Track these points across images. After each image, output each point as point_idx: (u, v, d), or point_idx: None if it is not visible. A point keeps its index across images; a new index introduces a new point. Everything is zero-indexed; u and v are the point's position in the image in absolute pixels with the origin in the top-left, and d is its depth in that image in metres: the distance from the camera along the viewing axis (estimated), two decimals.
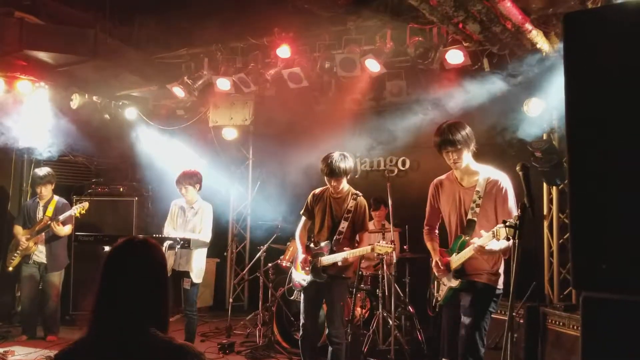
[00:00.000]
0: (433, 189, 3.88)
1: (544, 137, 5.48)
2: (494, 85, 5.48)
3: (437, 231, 3.92)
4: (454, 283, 3.62)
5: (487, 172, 3.59)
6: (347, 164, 4.47)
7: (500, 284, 3.57)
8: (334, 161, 4.42)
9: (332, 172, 4.42)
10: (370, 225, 5.13)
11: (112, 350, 1.77)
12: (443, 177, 3.84)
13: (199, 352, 1.84)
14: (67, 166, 8.06)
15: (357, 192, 4.65)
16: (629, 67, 1.78)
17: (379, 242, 4.45)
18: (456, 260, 3.59)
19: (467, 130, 3.57)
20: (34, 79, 6.65)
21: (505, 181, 3.52)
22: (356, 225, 4.61)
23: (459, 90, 5.82)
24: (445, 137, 3.54)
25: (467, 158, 3.58)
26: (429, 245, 3.91)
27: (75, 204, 6.63)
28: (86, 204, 6.40)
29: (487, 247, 3.35)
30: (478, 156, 3.69)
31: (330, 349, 4.57)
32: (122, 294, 1.83)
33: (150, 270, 1.90)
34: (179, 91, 6.97)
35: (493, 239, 3.30)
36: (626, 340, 1.75)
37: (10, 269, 6.35)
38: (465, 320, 3.56)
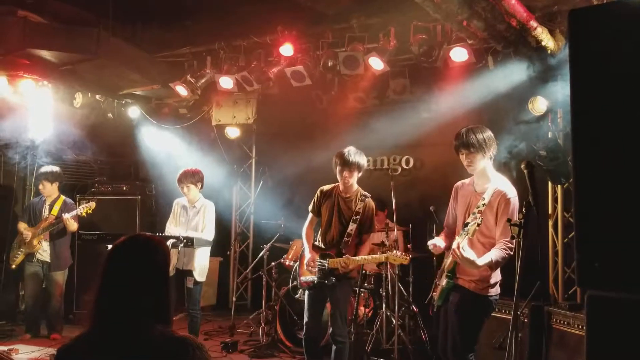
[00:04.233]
0: (453, 191, 3.89)
1: (549, 136, 5.45)
2: (499, 83, 5.45)
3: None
4: (443, 282, 3.62)
5: (498, 183, 3.57)
6: (361, 158, 4.52)
7: (492, 293, 3.53)
8: (349, 152, 4.46)
9: (347, 162, 4.44)
10: None
11: (113, 345, 1.77)
12: (466, 180, 3.83)
13: (200, 344, 1.84)
14: (70, 165, 8.06)
15: (366, 193, 4.64)
16: (635, 64, 1.75)
17: (393, 252, 4.46)
18: (448, 261, 3.59)
19: (486, 135, 3.57)
20: (37, 78, 6.64)
21: (512, 194, 3.48)
22: (363, 227, 4.60)
23: (463, 88, 5.79)
24: (460, 140, 3.59)
25: (482, 163, 3.58)
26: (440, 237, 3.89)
27: (80, 203, 6.64)
28: (93, 204, 6.40)
29: (464, 254, 3.30)
30: None
31: (334, 347, 4.56)
32: (122, 291, 1.82)
33: (151, 267, 1.89)
34: (181, 90, 6.96)
35: (466, 238, 3.30)
36: (631, 339, 1.73)
37: (14, 266, 6.36)
38: (451, 322, 3.57)
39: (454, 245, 3.40)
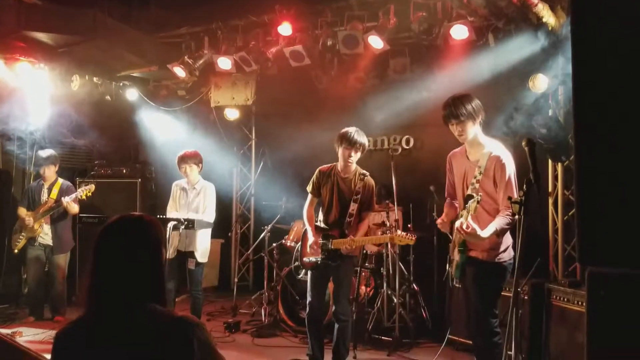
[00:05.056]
0: (448, 163, 3.92)
1: (550, 113, 5.42)
2: (499, 60, 5.40)
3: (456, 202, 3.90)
4: (457, 257, 3.65)
5: (491, 148, 3.59)
6: (365, 139, 4.55)
7: (505, 258, 3.58)
8: (355, 134, 4.47)
9: (353, 143, 4.45)
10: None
11: (110, 327, 1.76)
12: (457, 150, 3.86)
13: (199, 322, 1.82)
14: (69, 148, 8.04)
15: (365, 171, 4.64)
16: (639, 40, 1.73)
17: (399, 233, 4.47)
18: (457, 236, 3.61)
19: (474, 103, 3.57)
20: (34, 61, 6.59)
21: (506, 158, 3.51)
22: (363, 205, 4.61)
23: (464, 66, 5.74)
24: (449, 110, 3.59)
25: (473, 130, 3.59)
26: (444, 210, 3.94)
27: (79, 186, 6.64)
28: (92, 187, 6.40)
29: (467, 230, 3.35)
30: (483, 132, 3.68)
31: (336, 326, 4.61)
32: (116, 271, 1.80)
33: (143, 245, 1.86)
34: (179, 71, 6.90)
35: (470, 216, 3.34)
36: (631, 315, 1.74)
37: (16, 251, 6.39)
38: (471, 295, 3.61)
39: (457, 224, 3.43)
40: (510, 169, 3.48)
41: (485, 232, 3.38)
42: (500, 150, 3.57)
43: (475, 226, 3.35)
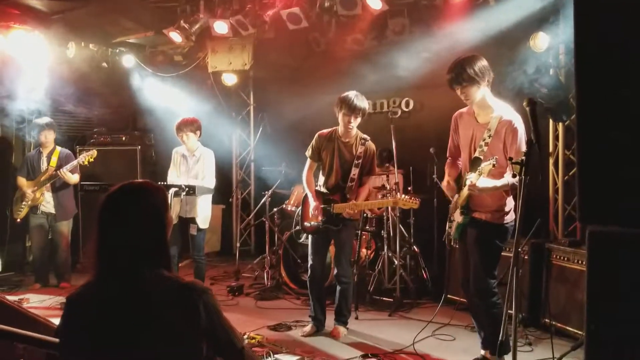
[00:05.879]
0: (453, 122, 3.89)
1: (550, 73, 5.36)
2: (499, 20, 5.31)
3: (459, 162, 3.90)
4: (460, 218, 3.67)
5: (501, 111, 3.55)
6: (366, 103, 4.51)
7: (508, 220, 3.61)
8: (355, 98, 4.42)
9: (353, 108, 4.41)
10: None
11: (117, 291, 1.77)
12: (464, 109, 3.82)
13: (206, 288, 1.84)
14: (68, 117, 7.99)
15: (365, 136, 4.63)
16: None
17: (403, 197, 4.49)
18: (461, 197, 3.63)
19: (478, 65, 3.50)
20: (28, 28, 6.48)
21: (518, 122, 3.49)
22: (364, 170, 4.61)
23: (464, 26, 5.65)
24: (451, 75, 3.53)
25: (480, 93, 3.55)
26: (446, 171, 3.95)
27: (80, 154, 6.62)
28: (94, 152, 6.36)
29: (479, 185, 3.37)
30: None
31: (338, 288, 4.68)
32: (121, 237, 1.81)
33: (145, 213, 1.86)
34: (175, 36, 6.79)
35: (481, 177, 3.35)
36: (631, 273, 1.76)
37: (18, 220, 6.42)
38: (472, 256, 3.64)
39: (468, 182, 3.44)
40: (522, 133, 3.46)
41: (500, 182, 3.42)
42: (512, 114, 3.53)
43: (485, 179, 3.37)
